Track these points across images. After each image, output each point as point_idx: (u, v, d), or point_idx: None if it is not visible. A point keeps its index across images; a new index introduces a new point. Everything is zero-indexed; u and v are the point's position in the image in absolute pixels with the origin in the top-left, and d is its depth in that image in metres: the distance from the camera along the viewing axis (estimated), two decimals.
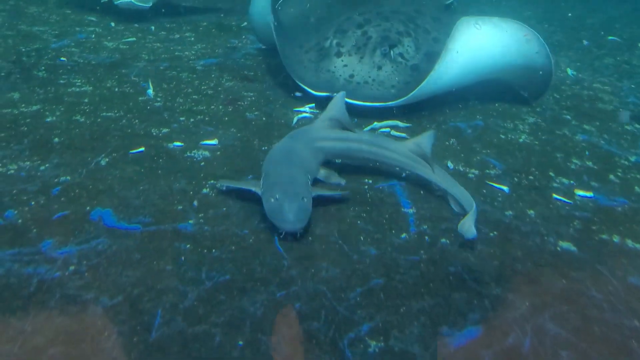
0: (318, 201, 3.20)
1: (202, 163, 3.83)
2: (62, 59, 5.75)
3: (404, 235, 3.11)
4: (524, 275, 2.80)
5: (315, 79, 4.53)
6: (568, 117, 4.87)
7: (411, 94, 4.19)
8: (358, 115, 4.38)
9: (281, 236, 2.96)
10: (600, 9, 10.11)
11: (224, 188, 3.44)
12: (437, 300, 2.62)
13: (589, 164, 4.00)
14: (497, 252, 2.98)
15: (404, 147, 3.44)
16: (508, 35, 4.16)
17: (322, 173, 3.51)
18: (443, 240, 3.07)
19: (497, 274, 2.81)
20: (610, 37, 7.65)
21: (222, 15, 8.01)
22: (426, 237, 3.08)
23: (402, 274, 2.80)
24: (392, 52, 4.53)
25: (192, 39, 6.73)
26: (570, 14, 9.37)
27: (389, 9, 5.03)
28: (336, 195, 3.33)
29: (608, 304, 2.62)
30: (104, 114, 4.55)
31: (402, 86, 4.39)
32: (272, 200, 2.96)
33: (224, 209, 3.30)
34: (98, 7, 7.66)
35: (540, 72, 4.55)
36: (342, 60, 4.56)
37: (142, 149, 3.98)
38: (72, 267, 2.76)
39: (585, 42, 7.42)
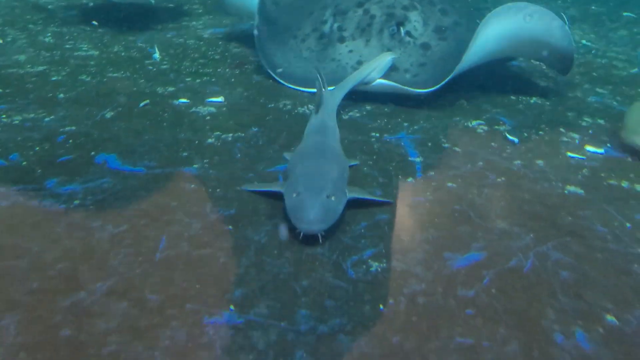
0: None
1: (208, 117, 3.99)
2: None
3: (410, 179, 3.23)
4: (530, 214, 2.90)
5: (322, 71, 4.15)
6: (581, 81, 4.98)
7: (449, 77, 3.92)
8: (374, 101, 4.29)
9: (300, 238, 2.56)
10: None
11: (246, 190, 3.06)
12: (442, 232, 2.73)
13: (601, 122, 4.10)
14: (505, 195, 3.09)
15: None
16: (540, 26, 3.98)
17: None
18: (450, 184, 3.18)
19: (504, 212, 2.92)
20: (625, 13, 7.76)
21: None
22: (433, 183, 3.20)
23: (407, 209, 2.91)
24: (401, 30, 4.29)
25: (200, 10, 6.92)
26: None
27: None
28: (378, 200, 2.93)
29: (612, 236, 2.72)
30: (110, 74, 4.73)
31: (417, 69, 4.16)
32: (294, 195, 2.60)
33: (230, 156, 3.45)
34: None
35: (560, 54, 4.26)
36: (347, 46, 4.32)
37: (147, 101, 4.15)
38: (77, 201, 2.91)
39: (598, 15, 7.61)
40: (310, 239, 2.57)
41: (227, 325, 2.15)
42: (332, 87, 3.84)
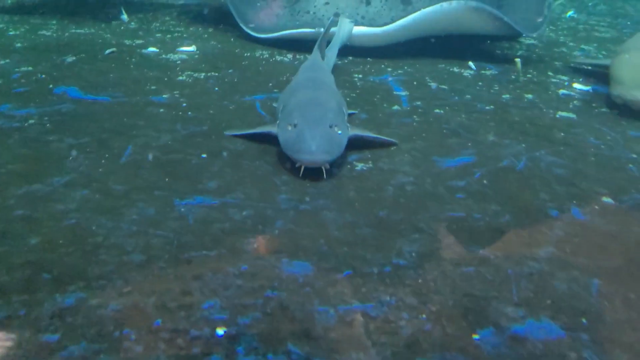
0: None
1: (179, 62, 4.01)
2: None
3: (396, 107, 3.29)
4: (521, 131, 2.97)
5: (293, 23, 4.38)
6: (566, 40, 5.19)
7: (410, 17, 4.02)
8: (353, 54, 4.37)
9: (300, 175, 2.31)
10: None
11: (233, 135, 2.79)
12: (430, 142, 2.77)
13: (588, 68, 4.25)
14: (494, 118, 3.15)
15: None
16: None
17: None
18: (437, 110, 3.24)
19: (494, 129, 2.97)
20: None
21: None
22: (419, 110, 3.25)
23: (392, 129, 2.95)
24: None
25: None
26: None
27: None
28: (382, 139, 2.73)
29: (606, 145, 2.80)
30: (73, 30, 4.74)
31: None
32: (290, 128, 2.38)
33: (202, 88, 3.46)
34: None
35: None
36: None
37: (114, 49, 4.16)
38: (32, 121, 2.87)
39: None
40: (312, 175, 2.36)
41: (200, 204, 2.12)
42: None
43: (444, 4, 3.91)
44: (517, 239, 1.95)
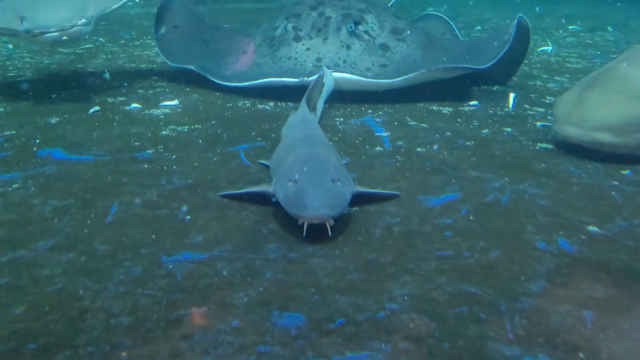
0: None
1: (162, 117, 4.03)
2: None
3: (378, 148, 3.31)
4: (502, 164, 3.00)
5: (278, 70, 4.29)
6: (539, 73, 5.32)
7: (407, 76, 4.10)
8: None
9: (304, 234, 2.16)
10: (559, 9, 11.47)
11: (226, 195, 2.70)
12: (414, 182, 2.79)
13: None
14: (475, 153, 3.19)
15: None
16: None
17: None
18: (419, 149, 3.27)
19: (474, 165, 3.00)
20: (571, 27, 8.55)
21: None
22: (402, 149, 3.28)
23: (376, 170, 2.97)
24: (358, 28, 4.40)
25: (153, 43, 7.12)
26: (537, 8, 10.67)
27: None
28: (385, 193, 2.65)
29: (587, 174, 2.83)
30: (56, 93, 4.76)
31: (379, 69, 4.26)
32: (290, 184, 2.29)
33: (186, 141, 3.47)
34: None
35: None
36: (304, 44, 4.35)
37: (97, 107, 4.18)
38: (15, 185, 2.85)
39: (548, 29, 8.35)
40: (316, 233, 2.19)
41: (188, 260, 2.09)
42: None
43: (424, 71, 4.04)
44: (507, 274, 1.93)
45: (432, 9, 7.89)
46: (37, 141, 3.48)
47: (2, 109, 4.25)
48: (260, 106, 4.25)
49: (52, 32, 3.95)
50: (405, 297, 1.83)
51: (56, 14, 4.02)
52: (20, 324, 1.73)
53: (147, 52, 6.57)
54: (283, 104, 4.21)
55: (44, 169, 3.06)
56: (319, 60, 4.29)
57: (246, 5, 11.75)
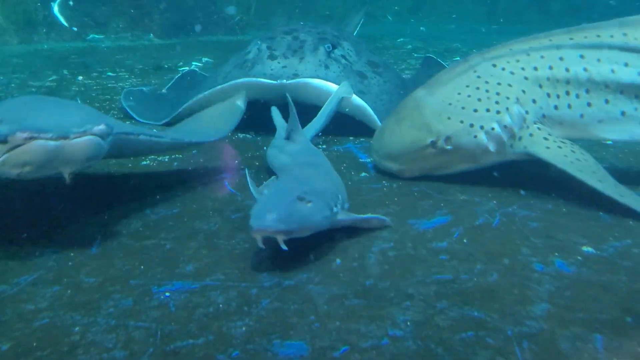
0: None
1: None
2: None
3: (363, 174, 3.28)
4: (490, 188, 2.98)
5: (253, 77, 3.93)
6: None
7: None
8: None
9: (259, 244, 2.07)
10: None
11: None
12: (403, 206, 2.75)
13: None
14: (462, 176, 3.15)
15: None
16: None
17: None
18: None
19: (462, 189, 2.98)
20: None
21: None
22: (387, 175, 3.24)
23: (364, 195, 2.93)
24: (334, 52, 4.18)
25: (126, 75, 7.03)
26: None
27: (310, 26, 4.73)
28: (374, 218, 2.52)
29: (577, 199, 2.81)
30: None
31: (359, 94, 4.04)
32: (261, 194, 2.31)
33: (168, 169, 3.40)
34: None
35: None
36: (279, 62, 4.01)
37: None
38: None
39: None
40: (270, 248, 2.10)
41: (180, 290, 2.00)
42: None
43: None
44: (509, 298, 1.90)
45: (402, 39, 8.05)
46: None
47: None
48: (241, 135, 4.19)
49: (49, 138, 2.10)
50: (409, 323, 1.77)
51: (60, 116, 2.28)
52: None
53: (120, 84, 6.47)
54: (262, 132, 4.15)
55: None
56: (296, 75, 3.96)
57: (218, 38, 11.82)
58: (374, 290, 1.98)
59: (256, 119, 4.24)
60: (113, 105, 5.27)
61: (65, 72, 7.44)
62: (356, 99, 3.95)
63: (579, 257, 2.18)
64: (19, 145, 2.05)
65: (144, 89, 5.42)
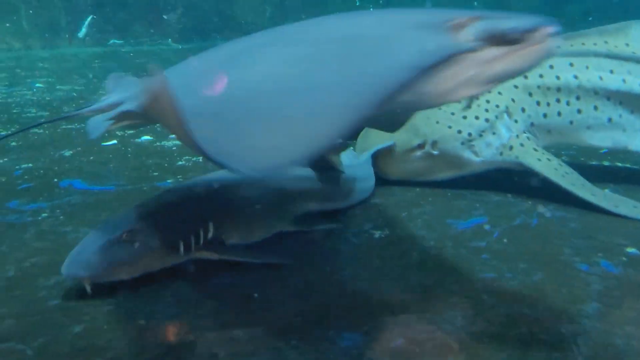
0: None
1: (174, 148, 3.97)
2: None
3: None
4: (524, 188, 2.96)
5: None
6: None
7: None
8: None
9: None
10: None
11: None
12: (438, 206, 2.75)
13: None
14: (496, 177, 3.15)
15: None
16: None
17: None
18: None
19: (495, 189, 2.98)
20: None
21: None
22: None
23: (397, 196, 2.93)
24: None
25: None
26: None
27: None
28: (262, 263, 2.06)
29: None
30: (64, 127, 4.66)
31: None
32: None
33: (203, 171, 3.40)
34: None
35: None
36: None
37: (115, 141, 4.10)
38: (44, 214, 2.75)
39: None
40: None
41: None
42: None
43: None
44: (557, 296, 1.90)
45: None
46: (56, 173, 3.39)
47: (14, 143, 4.14)
48: None
49: None
50: (459, 318, 1.77)
51: None
52: (82, 341, 1.64)
53: None
54: None
55: (69, 199, 2.97)
56: None
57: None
58: (420, 287, 1.98)
59: None
60: None
61: (90, 76, 7.52)
62: None
63: (624, 258, 2.17)
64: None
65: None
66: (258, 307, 1.82)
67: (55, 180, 3.27)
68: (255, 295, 1.87)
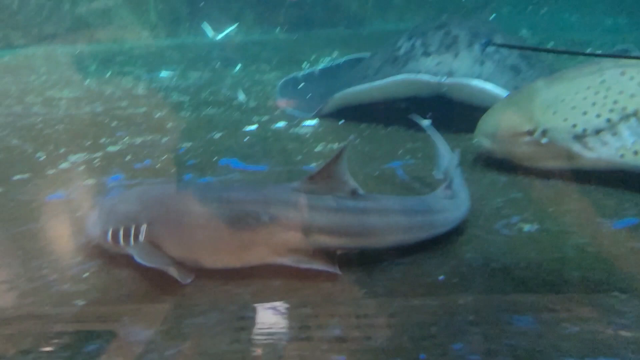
0: None
1: (307, 135, 4.15)
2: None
3: None
4: None
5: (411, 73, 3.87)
6: None
7: None
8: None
9: None
10: None
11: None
12: (584, 205, 2.73)
13: None
14: None
15: None
16: None
17: None
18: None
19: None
20: None
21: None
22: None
23: (538, 192, 2.92)
24: (488, 46, 3.90)
25: (267, 68, 7.31)
26: None
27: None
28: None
29: None
30: (206, 111, 5.00)
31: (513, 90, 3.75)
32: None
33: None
34: None
35: None
36: (433, 59, 3.92)
37: (255, 125, 4.39)
38: None
39: None
40: None
41: None
42: None
43: None
44: None
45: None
46: (213, 152, 3.71)
47: (169, 125, 4.51)
48: (390, 127, 4.20)
49: None
50: (630, 313, 1.81)
51: None
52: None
53: (266, 76, 6.72)
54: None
55: (232, 176, 3.28)
56: (451, 73, 3.84)
57: (337, 32, 11.85)
58: (581, 282, 2.02)
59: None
60: (268, 96, 5.54)
61: (217, 65, 7.88)
62: None
63: None
64: None
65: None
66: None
67: (215, 158, 3.59)
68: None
